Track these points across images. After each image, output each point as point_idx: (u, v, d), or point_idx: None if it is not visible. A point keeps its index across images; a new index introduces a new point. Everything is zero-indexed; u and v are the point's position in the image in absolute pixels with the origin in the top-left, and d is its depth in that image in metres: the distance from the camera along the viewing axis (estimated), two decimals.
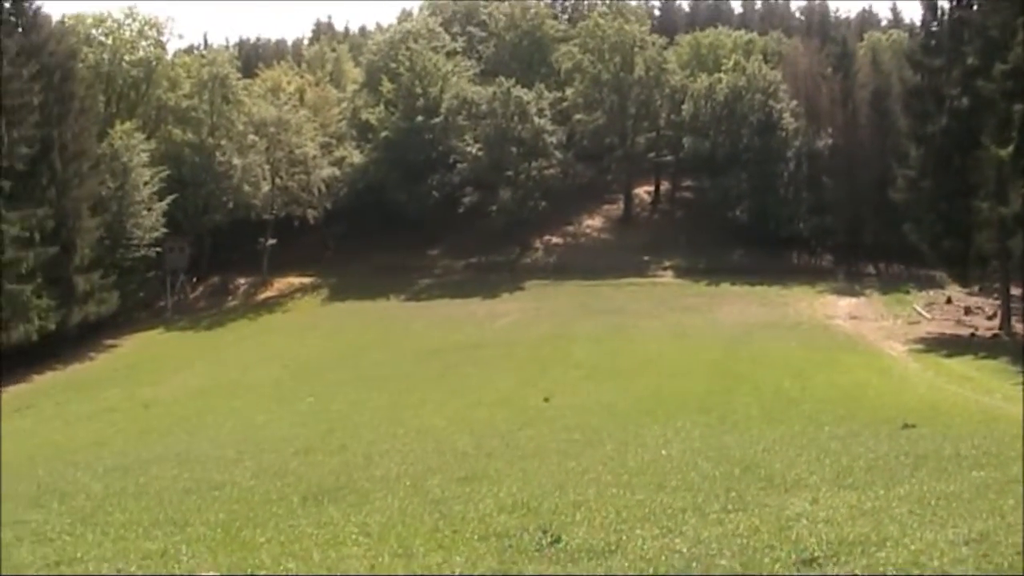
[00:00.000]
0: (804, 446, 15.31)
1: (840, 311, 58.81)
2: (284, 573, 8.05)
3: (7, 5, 59.15)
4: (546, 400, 31.11)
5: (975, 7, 48.66)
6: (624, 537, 8.32)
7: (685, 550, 7.65)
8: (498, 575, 7.59)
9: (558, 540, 8.29)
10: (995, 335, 49.27)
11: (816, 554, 7.24)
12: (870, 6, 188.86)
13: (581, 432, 21.23)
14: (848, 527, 8.12)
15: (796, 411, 25.90)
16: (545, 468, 14.27)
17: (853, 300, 62.64)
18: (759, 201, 75.54)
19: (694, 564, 7.28)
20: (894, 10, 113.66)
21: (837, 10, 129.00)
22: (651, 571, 7.24)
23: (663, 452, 15.41)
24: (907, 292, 64.38)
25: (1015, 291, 53.79)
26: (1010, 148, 40.98)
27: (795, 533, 8.02)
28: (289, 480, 14.20)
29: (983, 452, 13.15)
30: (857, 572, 6.77)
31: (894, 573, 6.72)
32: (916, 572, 6.68)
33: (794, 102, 78.83)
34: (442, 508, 10.65)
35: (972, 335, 49.83)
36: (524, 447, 18.54)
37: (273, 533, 9.72)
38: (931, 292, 63.69)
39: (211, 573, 8.18)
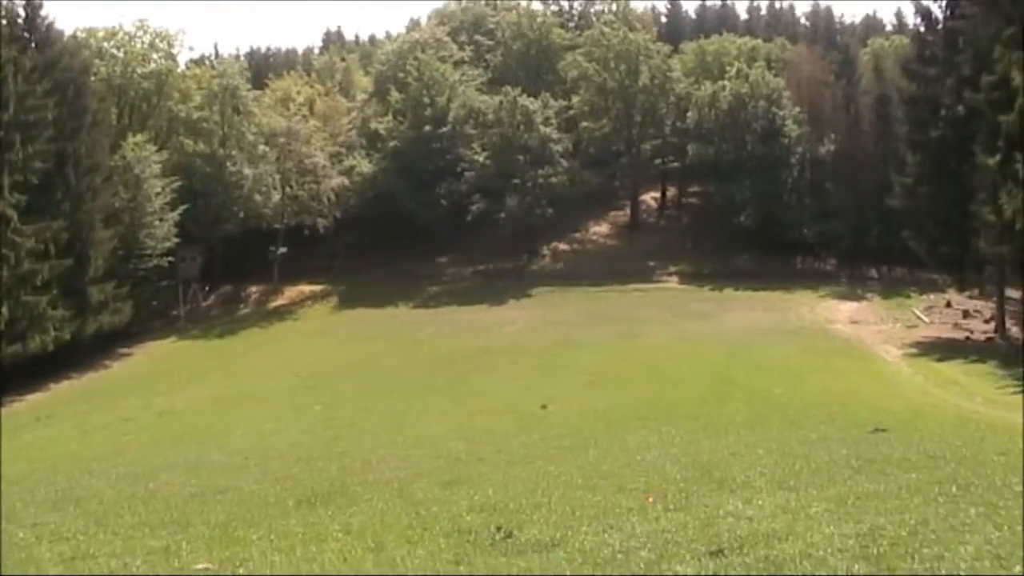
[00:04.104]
0: (772, 450, 16.09)
1: (841, 315, 59.66)
2: (269, 566, 9.13)
3: (20, 22, 60.64)
4: (543, 407, 32.02)
5: (967, 17, 49.27)
6: (570, 533, 9.37)
7: (617, 544, 8.71)
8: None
9: (510, 535, 9.40)
10: (989, 339, 50.12)
11: (724, 547, 8.30)
12: (875, 11, 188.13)
13: (571, 439, 22.10)
14: (765, 523, 9.16)
15: (780, 416, 26.75)
16: (526, 473, 15.20)
17: (855, 304, 63.51)
18: (764, 206, 76.49)
19: (619, 555, 8.35)
20: (899, 15, 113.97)
21: (842, 15, 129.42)
22: (580, 562, 8.31)
23: (638, 457, 16.35)
24: (908, 296, 65.15)
25: (1012, 294, 54.64)
26: (998, 157, 41.88)
27: (715, 529, 9.08)
28: (288, 485, 15.22)
29: (928, 455, 14.07)
30: (752, 562, 7.81)
31: (783, 561, 7.79)
32: (801, 560, 7.74)
33: (797, 108, 79.80)
34: (420, 509, 11.70)
35: (967, 339, 50.67)
36: (514, 453, 19.40)
37: (265, 532, 10.78)
38: (932, 296, 64.37)
39: (205, 565, 9.28)
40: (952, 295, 62.83)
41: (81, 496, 15.59)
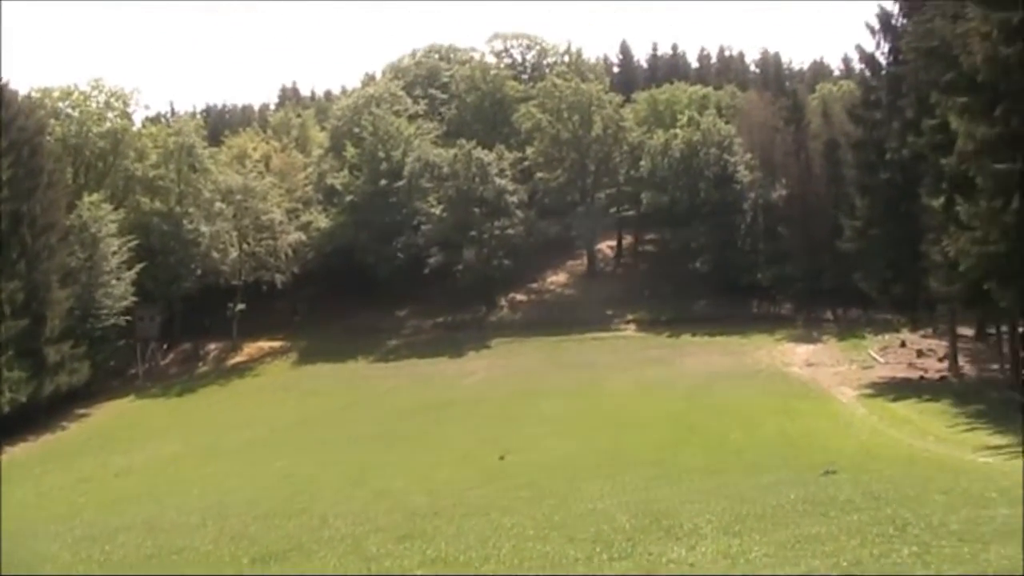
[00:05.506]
0: (726, 496, 16.31)
1: (798, 358, 60.06)
2: None
3: None
4: (501, 458, 32.10)
5: (909, 63, 50.10)
6: None
7: None
8: None
9: None
10: (943, 377, 50.54)
11: None
12: (822, 57, 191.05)
13: (529, 489, 22.23)
14: (705, 569, 9.43)
15: (738, 461, 27.10)
16: (480, 525, 15.36)
17: (811, 347, 63.85)
18: (719, 252, 77.30)
19: None
20: (846, 60, 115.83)
21: (790, 61, 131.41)
22: None
23: (591, 507, 16.53)
24: (863, 337, 65.47)
25: (965, 332, 55.24)
26: (942, 199, 42.61)
27: None
28: (244, 544, 15.30)
29: (872, 496, 14.36)
30: None
31: None
32: None
33: (749, 154, 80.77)
34: (372, 564, 11.88)
35: (921, 378, 51.03)
36: (473, 505, 19.54)
37: None
38: (886, 336, 64.74)
39: None
40: (906, 335, 63.28)
41: (32, 562, 15.56)
